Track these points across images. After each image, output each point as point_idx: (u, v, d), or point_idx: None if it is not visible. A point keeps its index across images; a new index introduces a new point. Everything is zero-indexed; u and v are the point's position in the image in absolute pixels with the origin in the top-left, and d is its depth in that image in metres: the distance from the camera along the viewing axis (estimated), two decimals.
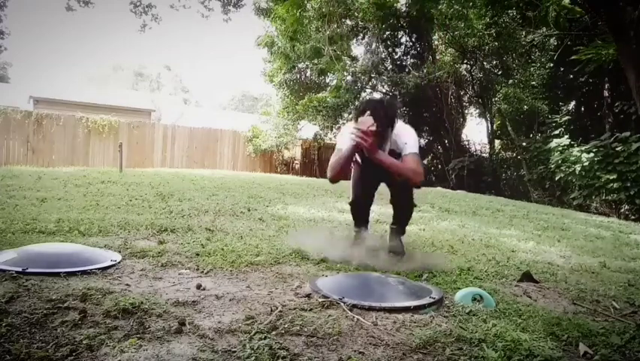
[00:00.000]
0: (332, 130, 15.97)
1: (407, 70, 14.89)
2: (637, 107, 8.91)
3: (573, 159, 10.14)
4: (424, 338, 1.56)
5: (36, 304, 1.63)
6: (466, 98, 15.93)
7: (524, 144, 13.26)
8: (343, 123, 15.96)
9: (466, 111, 16.21)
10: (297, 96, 15.19)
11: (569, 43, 11.50)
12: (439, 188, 11.28)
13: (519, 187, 13.49)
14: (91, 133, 13.96)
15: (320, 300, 1.90)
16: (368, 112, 2.56)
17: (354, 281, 2.17)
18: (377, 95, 16.45)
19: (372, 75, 14.82)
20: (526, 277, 2.55)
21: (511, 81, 13.47)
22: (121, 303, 1.65)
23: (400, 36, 15.54)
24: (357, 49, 16.42)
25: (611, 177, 9.27)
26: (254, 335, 1.50)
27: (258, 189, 6.54)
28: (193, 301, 1.82)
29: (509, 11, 12.40)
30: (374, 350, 1.48)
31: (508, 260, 3.06)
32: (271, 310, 1.75)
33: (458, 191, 9.96)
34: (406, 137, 2.69)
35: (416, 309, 1.84)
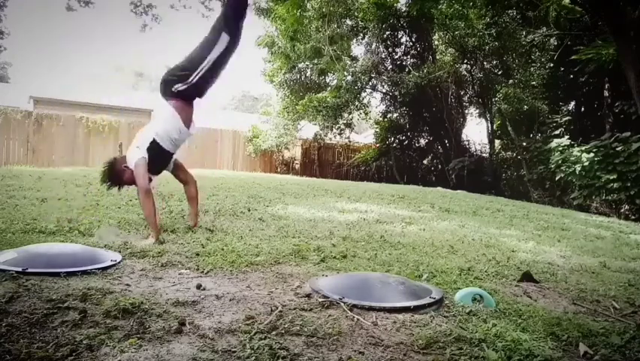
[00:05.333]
0: (332, 130, 15.95)
1: (407, 70, 14.87)
2: (637, 107, 8.90)
3: (573, 159, 10.12)
4: (424, 338, 1.56)
5: (36, 304, 1.63)
6: (466, 98, 15.91)
7: (524, 144, 13.25)
8: (343, 123, 15.97)
9: (466, 111, 16.19)
10: (297, 96, 15.18)
11: (569, 43, 11.50)
12: (439, 188, 11.27)
13: (519, 187, 13.47)
14: (91, 133, 13.97)
15: (320, 300, 1.90)
16: None
17: (354, 281, 2.17)
18: (378, 96, 16.49)
19: (372, 75, 14.81)
20: (526, 277, 2.55)
21: (511, 81, 13.45)
22: (121, 303, 1.65)
23: (399, 36, 15.53)
24: (357, 49, 16.45)
25: (611, 177, 9.26)
26: (254, 335, 1.50)
27: (258, 189, 6.54)
28: (193, 301, 1.82)
29: (509, 11, 12.39)
30: (374, 350, 1.48)
31: (508, 260, 3.06)
32: (271, 310, 1.75)
33: (458, 191, 9.94)
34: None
35: (416, 309, 1.84)
